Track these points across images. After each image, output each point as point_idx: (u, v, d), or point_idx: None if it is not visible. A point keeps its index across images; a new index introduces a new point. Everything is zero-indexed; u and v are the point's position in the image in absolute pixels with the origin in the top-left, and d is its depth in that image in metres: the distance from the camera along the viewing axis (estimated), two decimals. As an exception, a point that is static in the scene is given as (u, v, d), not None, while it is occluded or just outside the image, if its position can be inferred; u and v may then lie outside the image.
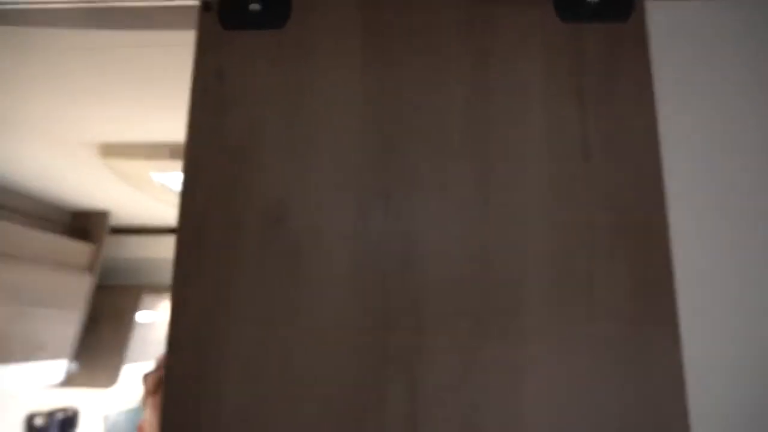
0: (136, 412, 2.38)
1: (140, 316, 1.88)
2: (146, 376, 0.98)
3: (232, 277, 0.40)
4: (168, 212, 1.62)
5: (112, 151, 1.16)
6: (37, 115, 1.00)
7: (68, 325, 1.61)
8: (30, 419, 1.94)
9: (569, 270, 0.39)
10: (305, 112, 0.43)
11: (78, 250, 1.59)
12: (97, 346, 1.76)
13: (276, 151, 0.43)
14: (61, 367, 1.64)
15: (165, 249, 1.88)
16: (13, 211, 1.41)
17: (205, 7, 0.46)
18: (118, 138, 1.12)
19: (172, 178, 1.32)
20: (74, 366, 1.71)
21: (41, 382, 1.61)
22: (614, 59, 0.43)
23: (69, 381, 1.69)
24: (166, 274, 1.89)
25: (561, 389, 0.37)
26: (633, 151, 0.41)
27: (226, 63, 0.45)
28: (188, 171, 0.43)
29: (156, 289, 1.93)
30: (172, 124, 1.07)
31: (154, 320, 2.06)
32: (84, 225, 1.64)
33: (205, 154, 0.43)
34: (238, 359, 0.39)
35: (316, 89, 0.44)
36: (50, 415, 2.01)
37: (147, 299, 1.90)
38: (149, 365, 1.84)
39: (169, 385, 0.39)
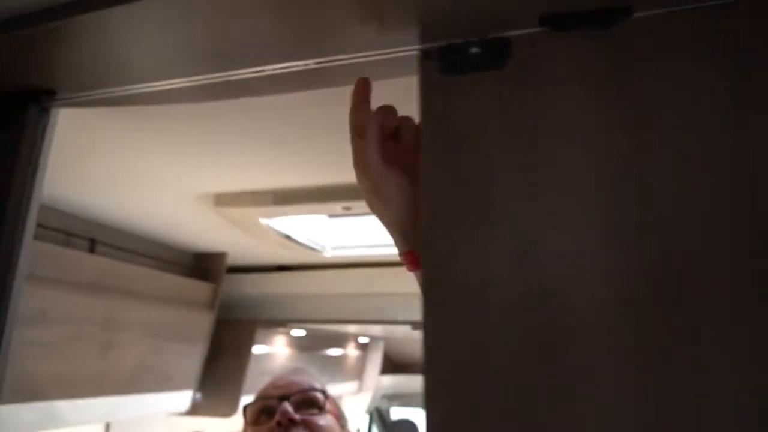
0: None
1: (256, 349, 1.99)
2: (246, 408, 1.01)
3: (481, 318, 0.39)
4: (278, 252, 1.71)
5: (223, 200, 1.26)
6: (161, 172, 1.12)
7: (192, 358, 1.74)
8: (164, 442, 2.12)
9: None
10: (540, 149, 0.41)
11: (200, 289, 1.73)
12: (218, 378, 1.88)
13: (513, 190, 0.41)
14: (186, 396, 1.77)
15: (277, 285, 1.98)
16: (143, 256, 1.58)
17: (425, 56, 0.47)
18: (228, 188, 1.22)
19: (278, 222, 1.39)
20: (198, 396, 1.84)
21: (171, 410, 1.75)
22: None
23: (194, 410, 1.82)
24: (279, 309, 1.99)
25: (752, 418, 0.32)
26: None
27: (452, 108, 0.44)
28: (428, 214, 0.43)
29: (270, 323, 2.03)
30: (273, 174, 1.13)
31: (269, 353, 2.16)
32: (204, 266, 1.78)
33: (442, 197, 0.43)
34: (496, 409, 0.38)
35: (548, 125, 0.42)
36: (180, 439, 2.18)
37: (261, 333, 2.00)
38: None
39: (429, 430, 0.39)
